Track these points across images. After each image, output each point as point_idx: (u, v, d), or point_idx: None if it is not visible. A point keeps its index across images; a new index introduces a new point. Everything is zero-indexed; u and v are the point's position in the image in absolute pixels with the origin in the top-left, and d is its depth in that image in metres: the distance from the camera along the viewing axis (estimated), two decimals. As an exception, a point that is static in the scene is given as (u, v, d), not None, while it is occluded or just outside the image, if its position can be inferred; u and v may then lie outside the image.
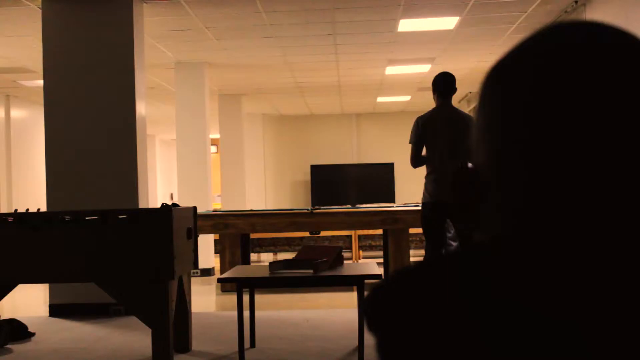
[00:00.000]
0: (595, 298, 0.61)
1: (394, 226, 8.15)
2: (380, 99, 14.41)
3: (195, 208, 5.30)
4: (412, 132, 5.99)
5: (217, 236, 9.54)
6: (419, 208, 6.24)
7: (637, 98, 0.62)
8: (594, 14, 7.22)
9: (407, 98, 14.32)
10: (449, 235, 6.23)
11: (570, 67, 0.63)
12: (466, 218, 0.70)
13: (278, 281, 4.78)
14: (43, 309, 7.25)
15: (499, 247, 0.66)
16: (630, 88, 0.62)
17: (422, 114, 6.07)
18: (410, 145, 6.00)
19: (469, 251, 0.67)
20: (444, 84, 6.05)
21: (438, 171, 5.87)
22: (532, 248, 0.64)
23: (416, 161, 5.99)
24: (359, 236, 10.86)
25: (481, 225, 0.70)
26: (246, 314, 5.33)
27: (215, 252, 10.24)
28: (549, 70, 0.64)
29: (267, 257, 11.95)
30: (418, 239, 10.10)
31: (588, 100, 0.62)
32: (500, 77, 0.68)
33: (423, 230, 5.96)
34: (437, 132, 5.93)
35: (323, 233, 10.29)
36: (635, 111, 0.62)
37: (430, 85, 6.26)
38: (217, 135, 13.34)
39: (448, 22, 8.28)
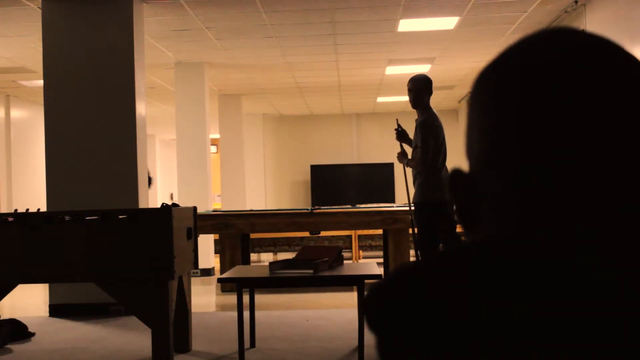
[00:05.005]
0: (593, 295, 0.61)
1: (394, 226, 8.15)
2: (380, 99, 14.42)
3: (195, 208, 5.30)
4: (432, 133, 5.93)
5: (217, 236, 9.54)
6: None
7: (621, 103, 0.63)
8: (594, 14, 7.22)
9: (407, 98, 14.32)
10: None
11: (558, 71, 0.64)
12: (462, 220, 0.71)
13: (278, 281, 4.78)
14: (43, 309, 7.25)
15: (494, 247, 0.66)
16: (615, 94, 0.64)
17: (432, 115, 6.02)
18: (422, 147, 5.94)
19: (466, 250, 0.68)
20: (431, 86, 6.13)
21: (440, 172, 5.90)
22: (526, 248, 0.64)
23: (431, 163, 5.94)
24: (359, 236, 10.86)
25: (474, 226, 0.70)
26: (246, 314, 5.33)
27: (215, 252, 10.24)
28: (538, 72, 0.65)
29: (267, 257, 11.95)
30: (418, 239, 10.10)
31: (574, 102, 0.63)
32: (491, 77, 0.69)
33: (428, 230, 5.94)
34: (443, 134, 5.99)
35: (323, 233, 10.29)
36: (619, 114, 0.63)
37: (432, 85, 6.24)
38: (217, 135, 13.34)
39: (448, 22, 8.29)
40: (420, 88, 6.05)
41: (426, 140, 5.90)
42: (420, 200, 5.92)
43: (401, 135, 6.16)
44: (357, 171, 16.35)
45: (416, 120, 6.09)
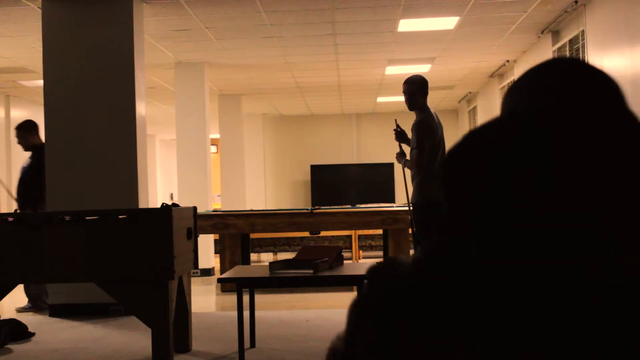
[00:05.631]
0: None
1: (394, 226, 8.15)
2: (380, 99, 14.42)
3: (195, 208, 5.30)
4: (427, 135, 5.91)
5: (217, 236, 9.53)
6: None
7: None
8: (594, 14, 7.22)
9: (407, 98, 14.31)
10: None
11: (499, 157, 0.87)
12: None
13: (278, 281, 4.79)
14: (43, 309, 7.25)
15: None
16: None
17: (429, 115, 6.00)
18: (417, 148, 5.92)
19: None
20: (425, 87, 6.09)
21: (437, 173, 5.89)
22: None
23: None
24: (359, 236, 10.86)
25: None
26: (246, 314, 5.34)
27: (215, 252, 10.24)
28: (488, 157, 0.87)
29: (267, 257, 11.95)
30: (418, 239, 10.09)
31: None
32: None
33: (422, 230, 5.94)
34: (440, 134, 5.99)
35: (323, 233, 10.29)
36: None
37: (428, 85, 6.21)
38: (217, 135, 13.34)
39: (448, 22, 8.29)
40: (413, 90, 6.03)
41: (421, 141, 5.90)
42: (417, 200, 5.93)
43: (400, 135, 6.17)
44: (357, 171, 16.35)
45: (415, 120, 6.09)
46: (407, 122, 6.83)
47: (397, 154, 6.15)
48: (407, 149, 6.20)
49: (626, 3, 6.42)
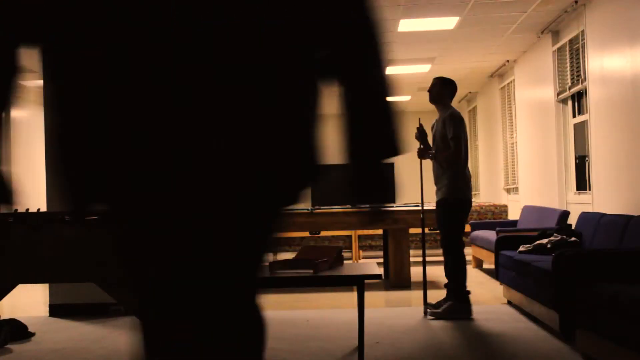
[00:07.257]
0: None
1: (394, 226, 8.15)
2: (380, 99, 14.42)
3: (195, 208, 5.30)
4: (462, 128, 5.96)
5: (217, 236, 9.51)
6: (419, 208, 6.24)
7: None
8: (594, 14, 7.22)
9: (407, 98, 14.33)
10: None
11: None
12: None
13: (278, 281, 4.78)
14: (43, 309, 7.25)
15: None
16: None
17: (456, 111, 6.07)
18: (455, 139, 5.96)
19: None
20: (455, 90, 6.18)
21: (466, 170, 5.98)
22: None
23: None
24: (359, 236, 10.86)
25: None
26: (246, 314, 5.31)
27: (215, 252, 10.22)
28: None
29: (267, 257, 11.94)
30: (418, 238, 10.10)
31: None
32: None
33: (458, 228, 5.95)
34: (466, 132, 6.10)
35: (323, 233, 10.29)
36: None
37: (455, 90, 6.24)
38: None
39: (448, 22, 8.29)
40: (438, 85, 6.11)
41: (458, 132, 5.92)
42: (448, 196, 5.94)
43: (422, 134, 6.13)
44: (357, 171, 16.35)
45: (440, 115, 6.11)
46: (412, 122, 6.84)
47: (421, 149, 6.12)
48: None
49: (626, 3, 6.42)
